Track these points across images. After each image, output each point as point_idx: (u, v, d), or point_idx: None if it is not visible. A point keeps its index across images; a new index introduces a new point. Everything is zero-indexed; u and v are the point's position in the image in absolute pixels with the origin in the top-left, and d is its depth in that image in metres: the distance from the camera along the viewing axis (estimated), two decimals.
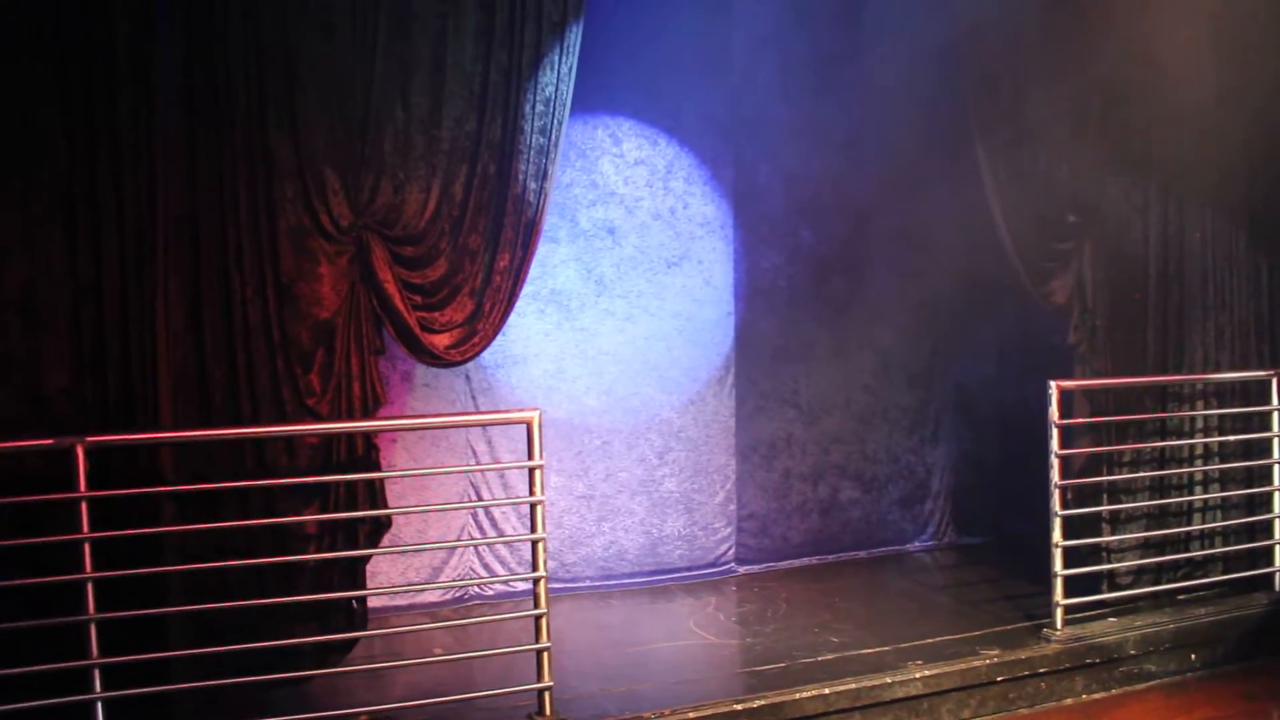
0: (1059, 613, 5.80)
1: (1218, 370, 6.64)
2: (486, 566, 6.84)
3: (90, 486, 4.14)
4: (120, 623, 4.21)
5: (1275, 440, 6.50)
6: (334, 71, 4.80)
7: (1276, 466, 6.50)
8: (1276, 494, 6.50)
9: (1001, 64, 6.27)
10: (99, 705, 4.13)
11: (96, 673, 4.13)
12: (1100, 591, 6.20)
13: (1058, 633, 5.77)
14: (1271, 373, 6.54)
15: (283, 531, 4.72)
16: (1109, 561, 6.28)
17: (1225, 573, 6.57)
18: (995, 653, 5.56)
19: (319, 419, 4.82)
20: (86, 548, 4.13)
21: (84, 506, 4.12)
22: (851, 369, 7.95)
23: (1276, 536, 6.50)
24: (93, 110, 4.37)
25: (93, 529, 4.14)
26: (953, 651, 5.60)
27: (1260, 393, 6.59)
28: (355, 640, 4.99)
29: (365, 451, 4.97)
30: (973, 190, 6.48)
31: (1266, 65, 6.46)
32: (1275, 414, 6.49)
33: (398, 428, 6.33)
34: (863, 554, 7.93)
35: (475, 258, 5.18)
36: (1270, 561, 6.51)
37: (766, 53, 7.43)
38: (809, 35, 7.51)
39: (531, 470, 4.79)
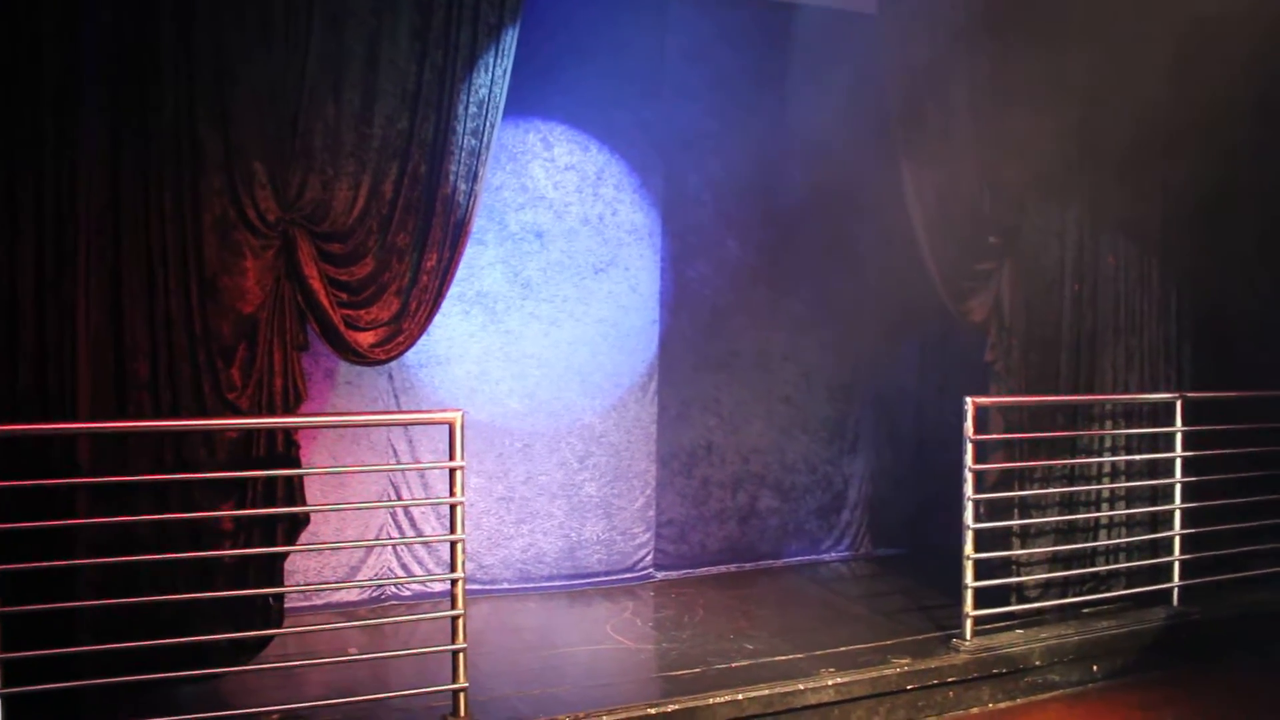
0: (969, 624, 5.92)
1: (1126, 392, 6.83)
2: (404, 567, 6.81)
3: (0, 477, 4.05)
4: (25, 616, 4.12)
5: (1178, 460, 6.70)
6: (266, 64, 4.76)
7: (1178, 486, 6.70)
8: (1177, 512, 6.70)
9: (928, 88, 6.39)
10: (0, 700, 4.04)
11: None
12: (1009, 603, 6.34)
13: (967, 643, 5.88)
14: (1176, 395, 6.74)
15: (199, 527, 4.66)
16: (1018, 575, 6.42)
17: (1127, 587, 6.76)
18: (906, 662, 5.65)
19: (239, 414, 4.76)
20: None
21: None
22: (773, 380, 8.04)
23: (1176, 553, 6.70)
24: (11, 99, 4.28)
25: (1, 520, 4.05)
26: (865, 660, 5.69)
27: (1166, 414, 6.79)
28: (269, 638, 4.94)
29: (285, 448, 4.92)
30: (898, 208, 6.58)
31: (1182, 99, 6.67)
32: (1178, 435, 6.69)
33: (319, 424, 6.28)
34: (779, 562, 8.03)
35: (403, 257, 5.16)
36: (1169, 577, 6.71)
37: (699, 66, 7.51)
38: (740, 51, 7.63)
39: (452, 471, 4.78)
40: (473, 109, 5.23)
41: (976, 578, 5.93)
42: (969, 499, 5.89)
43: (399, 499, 6.75)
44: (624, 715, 4.89)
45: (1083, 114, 6.59)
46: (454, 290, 5.84)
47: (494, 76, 5.27)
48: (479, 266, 6.93)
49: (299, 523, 4.96)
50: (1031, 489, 6.52)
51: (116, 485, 4.46)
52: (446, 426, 4.80)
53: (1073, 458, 6.67)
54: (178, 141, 4.62)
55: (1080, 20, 6.46)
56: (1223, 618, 6.65)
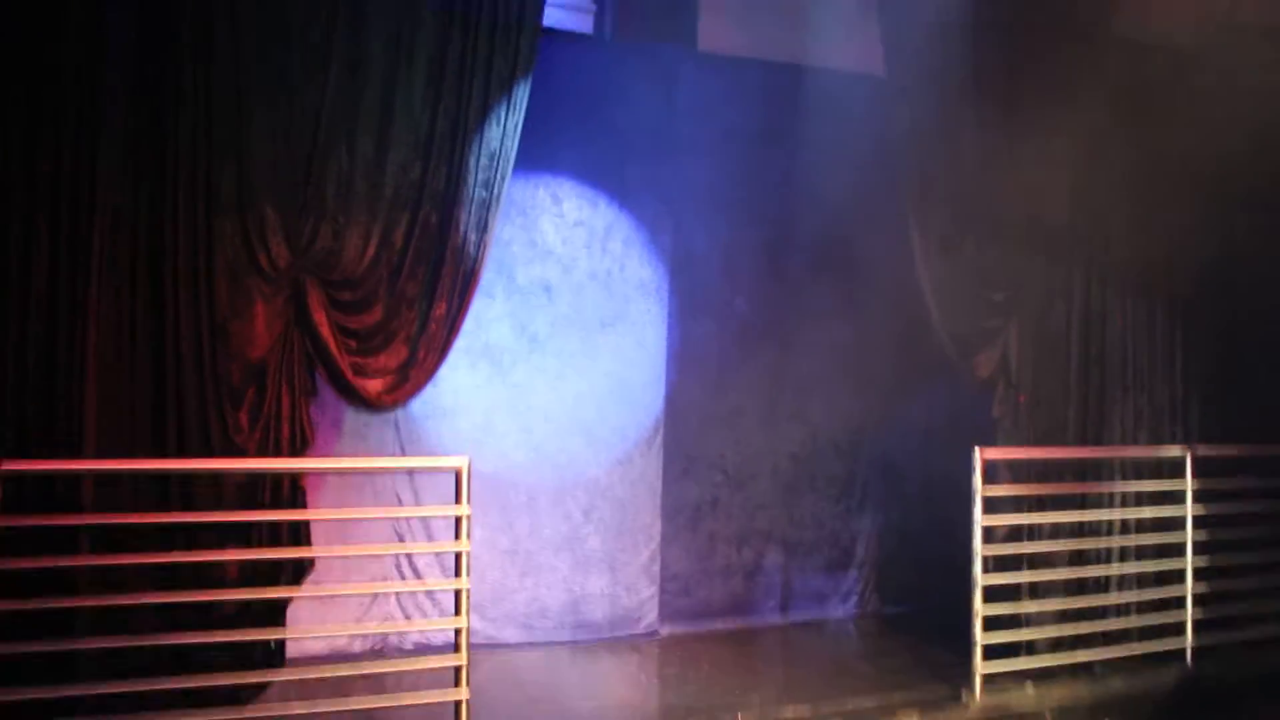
0: (978, 680, 5.85)
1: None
2: (407, 617, 6.74)
3: (4, 513, 4.04)
4: (25, 654, 4.10)
5: (1189, 516, 6.65)
6: (282, 112, 4.84)
7: (1189, 542, 6.64)
8: (1189, 568, 6.63)
9: (935, 150, 6.48)
10: None
11: None
12: (1019, 659, 6.27)
13: (977, 699, 5.81)
14: (1185, 450, 6.71)
15: (203, 569, 4.64)
16: (1028, 630, 6.35)
17: (1140, 641, 6.67)
18: (914, 718, 5.58)
19: (246, 458, 4.77)
20: None
21: None
22: (779, 437, 8.01)
23: (1189, 610, 6.62)
24: (31, 134, 4.35)
25: (4, 556, 4.04)
26: (872, 716, 5.62)
27: (1174, 471, 6.75)
28: (270, 683, 4.88)
29: (292, 493, 4.92)
30: (905, 267, 6.62)
31: (1186, 157, 6.73)
32: (1189, 490, 6.64)
33: (326, 469, 6.24)
34: (786, 619, 7.94)
35: (412, 305, 5.21)
36: (1183, 634, 6.62)
37: (708, 124, 7.56)
38: (749, 110, 7.66)
39: (458, 517, 4.76)
40: (484, 160, 5.30)
41: (985, 633, 5.86)
42: (978, 553, 5.85)
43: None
44: None
45: (1087, 174, 6.66)
46: (461, 342, 5.85)
47: (506, 130, 5.35)
48: (487, 319, 6.95)
49: (303, 568, 4.94)
50: (1040, 544, 6.46)
51: (120, 525, 4.45)
52: (452, 477, 4.79)
53: (1081, 512, 6.61)
54: (193, 186, 4.69)
55: (1083, 83, 6.55)
56: (1238, 677, 6.53)
